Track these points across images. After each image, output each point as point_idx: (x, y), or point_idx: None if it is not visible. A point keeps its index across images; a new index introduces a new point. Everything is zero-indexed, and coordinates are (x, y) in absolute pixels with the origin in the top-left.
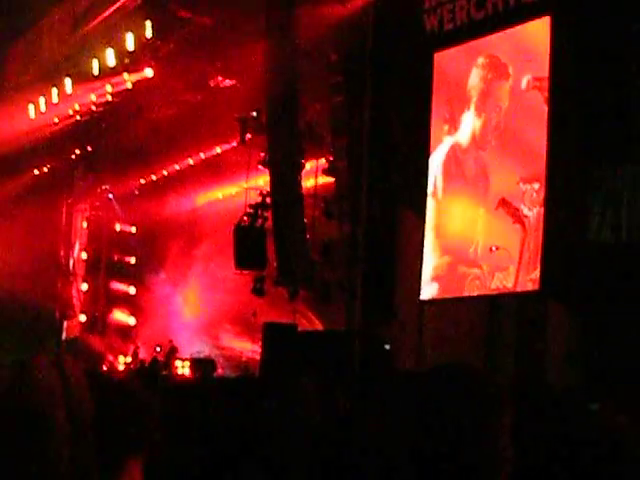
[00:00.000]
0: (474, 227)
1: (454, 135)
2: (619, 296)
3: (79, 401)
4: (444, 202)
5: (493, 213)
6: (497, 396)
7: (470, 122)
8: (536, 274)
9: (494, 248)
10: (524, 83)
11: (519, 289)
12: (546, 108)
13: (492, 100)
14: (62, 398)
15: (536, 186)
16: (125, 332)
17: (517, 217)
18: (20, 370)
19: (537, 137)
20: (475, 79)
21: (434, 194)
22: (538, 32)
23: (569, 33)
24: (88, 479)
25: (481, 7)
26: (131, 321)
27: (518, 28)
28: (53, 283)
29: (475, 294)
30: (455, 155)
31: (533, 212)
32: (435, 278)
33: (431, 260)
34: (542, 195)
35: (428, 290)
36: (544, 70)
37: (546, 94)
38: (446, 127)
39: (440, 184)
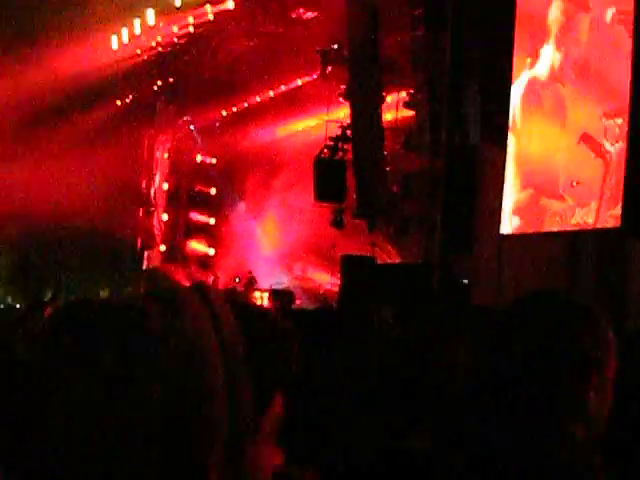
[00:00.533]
0: (555, 161)
1: (533, 68)
2: None
3: (231, 339)
4: (524, 136)
5: (575, 148)
6: (593, 331)
7: (549, 55)
8: (617, 210)
9: (575, 183)
10: (608, 16)
11: (600, 225)
12: (630, 42)
13: (572, 33)
14: (214, 336)
15: (619, 121)
16: (204, 262)
17: (599, 152)
18: (172, 305)
19: (620, 72)
20: (555, 11)
21: (513, 128)
22: None
23: None
24: (248, 422)
25: None
26: (210, 251)
27: None
28: (134, 213)
29: (556, 229)
30: (534, 88)
31: (615, 147)
32: (516, 211)
33: (512, 193)
34: (625, 130)
35: (508, 224)
36: (629, 3)
37: (631, 27)
38: (528, 60)
39: (519, 117)
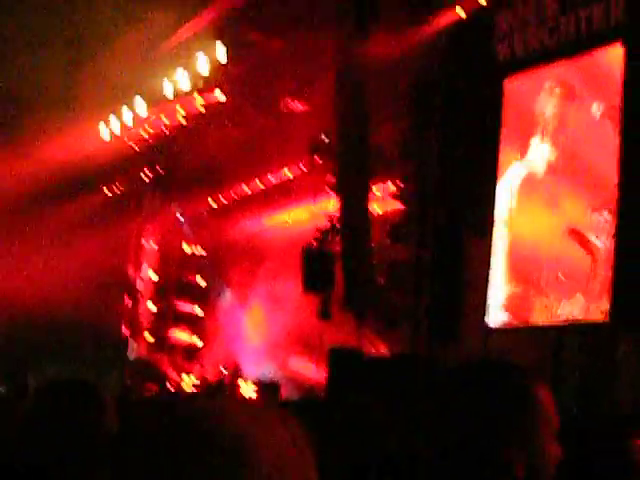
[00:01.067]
0: (544, 255)
1: (525, 161)
2: None
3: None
4: (515, 229)
5: (562, 241)
6: (528, 392)
7: (540, 148)
8: (605, 304)
9: (562, 277)
10: (596, 110)
11: (587, 318)
12: (618, 137)
13: (561, 126)
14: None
15: (607, 216)
16: (190, 352)
17: (587, 246)
18: None
19: (608, 166)
20: (544, 104)
21: (506, 222)
22: (610, 59)
23: None
24: None
25: (553, 34)
26: (197, 341)
27: (589, 55)
28: (121, 302)
29: (542, 323)
30: (527, 181)
31: (603, 242)
32: (504, 305)
33: (501, 287)
34: (613, 225)
35: (496, 317)
36: (616, 99)
37: (618, 122)
38: (516, 154)
39: (511, 211)
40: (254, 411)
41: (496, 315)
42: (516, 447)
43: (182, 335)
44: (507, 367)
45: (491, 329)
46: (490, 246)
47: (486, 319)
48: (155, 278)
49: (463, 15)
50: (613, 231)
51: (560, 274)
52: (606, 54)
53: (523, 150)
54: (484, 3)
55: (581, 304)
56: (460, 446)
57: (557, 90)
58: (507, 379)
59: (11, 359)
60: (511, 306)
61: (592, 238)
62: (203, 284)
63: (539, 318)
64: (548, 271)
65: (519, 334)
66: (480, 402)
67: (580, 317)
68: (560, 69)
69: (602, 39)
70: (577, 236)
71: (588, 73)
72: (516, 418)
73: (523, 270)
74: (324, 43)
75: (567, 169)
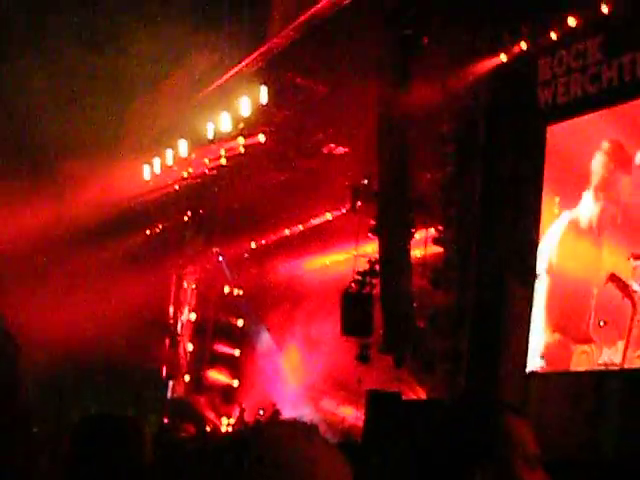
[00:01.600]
0: (585, 302)
1: (572, 212)
2: None
3: None
4: (558, 278)
5: (603, 288)
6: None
7: (589, 205)
8: None
9: (603, 323)
10: (638, 159)
11: (627, 365)
12: None
13: (612, 190)
14: None
15: None
16: (228, 393)
17: (627, 292)
18: None
19: None
20: (597, 164)
21: (549, 270)
22: None
23: None
24: None
25: (596, 80)
26: (234, 382)
27: (633, 104)
28: (161, 342)
29: (582, 369)
30: (573, 233)
31: None
32: (543, 354)
33: (541, 336)
34: None
35: (535, 364)
36: None
37: None
38: (561, 204)
39: (555, 260)
40: (319, 443)
41: (534, 362)
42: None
43: (220, 376)
44: (483, 402)
45: (530, 374)
46: (532, 294)
47: (526, 364)
48: (194, 318)
49: (505, 60)
50: None
51: (600, 321)
52: None
53: (568, 200)
54: (525, 48)
55: (621, 351)
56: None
57: (608, 150)
58: (480, 411)
59: (53, 400)
60: (549, 354)
61: (633, 285)
62: (241, 325)
63: (578, 365)
64: (588, 318)
65: (558, 379)
66: (453, 432)
67: (619, 363)
68: (608, 124)
69: None
70: (617, 282)
71: (631, 122)
72: (486, 445)
73: (563, 318)
74: (367, 88)
75: (613, 221)
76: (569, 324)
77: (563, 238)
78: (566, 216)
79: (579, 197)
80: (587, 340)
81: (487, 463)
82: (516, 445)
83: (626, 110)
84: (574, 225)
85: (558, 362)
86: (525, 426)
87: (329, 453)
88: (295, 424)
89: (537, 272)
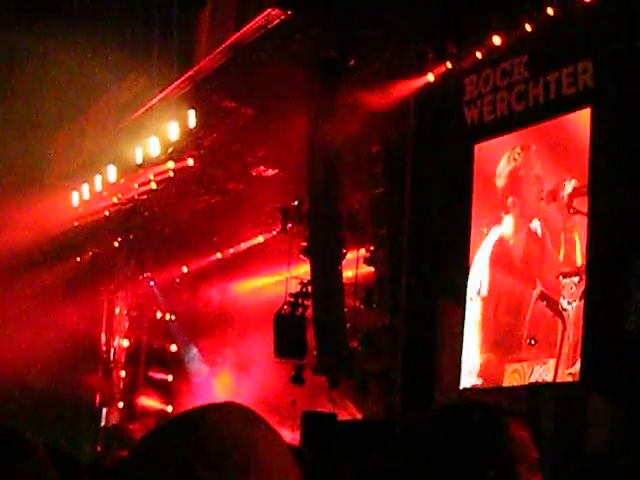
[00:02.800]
0: (517, 322)
1: (500, 227)
2: None
3: None
4: (489, 299)
5: (533, 307)
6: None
7: (511, 214)
8: (575, 368)
9: (533, 341)
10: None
11: (558, 381)
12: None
13: (528, 194)
14: None
15: (575, 279)
16: (162, 419)
17: (556, 310)
18: None
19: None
20: (506, 170)
21: (479, 291)
22: (578, 125)
23: (610, 126)
24: None
25: (522, 98)
26: (168, 408)
27: (558, 120)
28: (93, 370)
29: (514, 384)
30: (502, 248)
31: (572, 305)
32: (477, 372)
33: (474, 356)
34: (581, 288)
35: (468, 381)
36: (579, 170)
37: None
38: (490, 221)
39: (486, 281)
40: (259, 424)
41: (468, 380)
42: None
43: (154, 402)
44: (480, 405)
45: (464, 391)
46: (464, 311)
47: (459, 381)
48: (126, 345)
49: (431, 79)
50: (581, 295)
51: (531, 339)
52: (573, 119)
53: (496, 217)
54: (450, 67)
55: (552, 368)
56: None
57: (519, 156)
58: (480, 415)
59: None
60: (483, 372)
61: (562, 302)
62: (174, 350)
63: (511, 381)
64: (519, 336)
65: (492, 394)
66: (453, 438)
67: (550, 380)
68: (525, 135)
69: (571, 103)
70: (547, 300)
71: (553, 139)
72: (489, 451)
73: (496, 338)
74: (295, 110)
75: (535, 235)
76: (502, 343)
77: (492, 258)
78: (493, 235)
79: (501, 213)
80: (519, 359)
81: (492, 468)
82: (520, 449)
83: (549, 127)
84: (502, 239)
85: (491, 378)
86: (525, 429)
87: (268, 435)
88: (233, 406)
89: (469, 292)
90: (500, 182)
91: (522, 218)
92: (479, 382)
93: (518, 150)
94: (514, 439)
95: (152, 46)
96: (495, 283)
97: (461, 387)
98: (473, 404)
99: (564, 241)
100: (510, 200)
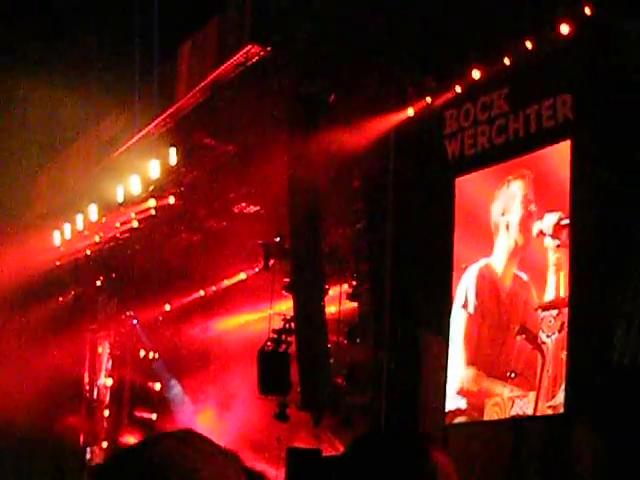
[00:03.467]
0: (497, 350)
1: (481, 260)
2: None
3: None
4: (474, 317)
5: (513, 339)
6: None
7: (499, 246)
8: (555, 401)
9: (513, 375)
10: (535, 231)
11: (538, 414)
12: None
13: (515, 227)
14: None
15: (554, 312)
16: None
17: (536, 344)
18: None
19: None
20: (499, 205)
21: (464, 306)
22: (558, 159)
23: (590, 158)
24: None
25: (502, 132)
26: None
27: (539, 153)
28: (77, 410)
29: (496, 418)
30: (489, 276)
31: (551, 338)
32: (461, 392)
33: (457, 370)
34: (560, 322)
35: (453, 404)
36: (562, 203)
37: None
38: (472, 253)
39: (472, 299)
40: (206, 452)
41: (453, 402)
42: None
43: (138, 441)
44: (401, 434)
45: (449, 425)
46: (448, 346)
47: (444, 415)
48: (110, 384)
49: (411, 114)
50: (560, 327)
51: (512, 372)
52: (554, 152)
53: (479, 249)
54: (430, 101)
55: (532, 401)
56: None
57: (507, 190)
58: (401, 445)
59: None
60: (467, 393)
61: (542, 336)
62: (158, 389)
63: (491, 416)
64: (499, 369)
65: (477, 428)
66: (374, 463)
67: (530, 413)
68: (510, 168)
69: (551, 136)
70: (527, 333)
71: (535, 172)
72: (410, 476)
73: (478, 355)
74: (276, 146)
75: (520, 269)
76: (484, 360)
77: (479, 279)
78: (474, 266)
79: (491, 246)
80: (497, 392)
81: None
82: (441, 474)
83: (531, 161)
84: (487, 268)
85: (474, 404)
86: (446, 456)
87: (215, 461)
88: (185, 434)
89: (454, 306)
90: (494, 217)
91: (511, 256)
92: (463, 404)
93: (507, 185)
94: (436, 465)
95: (133, 84)
96: (480, 306)
97: (446, 410)
98: (395, 432)
99: (549, 275)
100: (500, 234)
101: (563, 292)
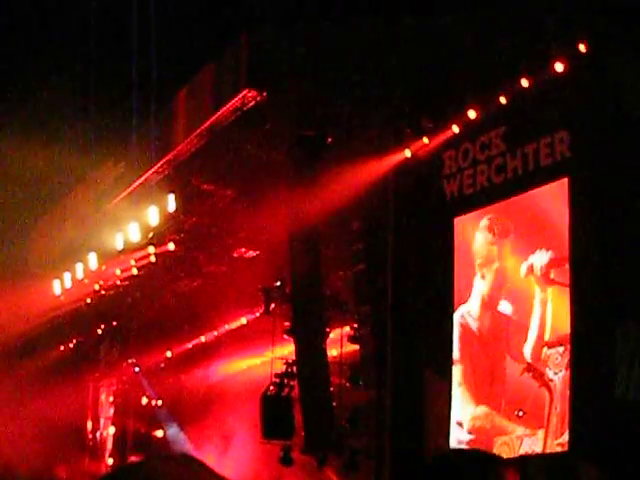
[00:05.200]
0: (502, 394)
1: (466, 303)
2: None
3: None
4: (467, 368)
5: (519, 378)
6: None
7: (478, 286)
8: (564, 438)
9: (521, 413)
10: (523, 270)
11: (547, 452)
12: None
13: (495, 262)
14: None
15: (560, 349)
16: None
17: (543, 381)
18: None
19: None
20: (479, 241)
21: (459, 364)
22: (555, 196)
23: (587, 197)
24: None
25: (501, 171)
26: None
27: (534, 192)
28: (81, 458)
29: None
30: (466, 322)
31: (559, 376)
32: (472, 430)
33: (467, 411)
34: (567, 358)
35: (460, 437)
36: (557, 240)
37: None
38: (468, 293)
39: (457, 352)
40: (202, 476)
41: (459, 437)
42: None
43: None
44: (471, 453)
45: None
46: (451, 387)
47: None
48: (112, 432)
49: (409, 155)
50: (567, 365)
51: (519, 411)
52: (551, 191)
53: (466, 291)
54: (428, 142)
55: (541, 439)
56: None
57: (487, 225)
58: (472, 463)
59: None
60: (478, 430)
61: (549, 373)
62: (160, 435)
63: (500, 454)
64: (507, 410)
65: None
66: None
67: (539, 451)
68: (498, 206)
69: (548, 175)
70: (533, 371)
71: (532, 211)
72: None
73: (484, 394)
74: (275, 190)
75: (510, 303)
76: (491, 399)
77: (460, 329)
78: (461, 309)
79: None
80: (506, 431)
81: None
82: None
83: (528, 200)
84: (466, 314)
85: (481, 439)
86: (517, 477)
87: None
88: (180, 459)
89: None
90: (477, 259)
91: (489, 298)
92: (470, 438)
93: (487, 220)
94: None
95: (130, 131)
96: (467, 356)
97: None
98: (463, 452)
99: (540, 313)
100: (478, 276)
101: (564, 330)
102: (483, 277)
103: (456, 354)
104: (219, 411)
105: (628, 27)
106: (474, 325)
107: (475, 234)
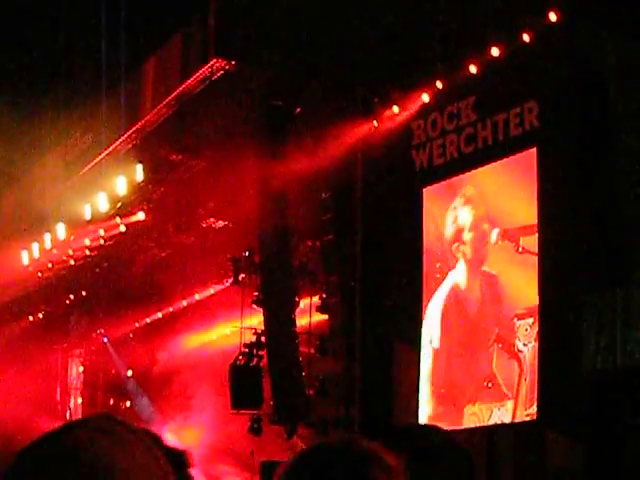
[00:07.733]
0: (471, 366)
1: (454, 271)
2: (618, 421)
3: None
4: (441, 350)
5: (489, 349)
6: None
7: (462, 260)
8: (533, 409)
9: (490, 384)
10: (494, 237)
11: (516, 422)
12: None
13: (474, 236)
14: None
15: (530, 321)
16: None
17: (512, 352)
18: None
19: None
20: (458, 214)
21: (431, 342)
22: (526, 165)
23: (557, 164)
24: None
25: (471, 141)
26: None
27: (503, 162)
28: (48, 429)
29: (473, 426)
30: (456, 298)
31: (528, 347)
32: (433, 418)
33: (427, 409)
34: (536, 330)
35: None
36: (528, 209)
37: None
38: (438, 264)
39: (437, 333)
40: (122, 439)
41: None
42: None
43: None
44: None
45: None
46: (419, 354)
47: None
48: (80, 402)
49: (378, 125)
50: (536, 336)
51: (489, 382)
52: (522, 160)
53: (446, 263)
54: (397, 112)
55: (510, 410)
56: None
57: (465, 200)
58: None
59: None
60: (441, 418)
61: (519, 344)
62: (129, 406)
63: (469, 425)
64: (477, 380)
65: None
66: None
67: (508, 422)
68: (470, 178)
69: (518, 144)
70: (502, 342)
71: (497, 182)
72: None
73: (446, 389)
74: (243, 160)
75: (486, 280)
76: (455, 393)
77: (444, 311)
78: (447, 283)
79: (456, 259)
80: (474, 401)
81: None
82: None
83: (494, 170)
84: (455, 287)
85: (450, 422)
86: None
87: (132, 447)
88: (100, 421)
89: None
90: (448, 230)
91: (474, 262)
92: (440, 409)
93: (463, 196)
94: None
95: (98, 102)
96: (448, 335)
97: (424, 417)
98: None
99: (516, 281)
100: (455, 246)
101: (533, 301)
102: (464, 243)
103: (436, 331)
104: (188, 381)
105: None
106: (461, 297)
107: (453, 206)
